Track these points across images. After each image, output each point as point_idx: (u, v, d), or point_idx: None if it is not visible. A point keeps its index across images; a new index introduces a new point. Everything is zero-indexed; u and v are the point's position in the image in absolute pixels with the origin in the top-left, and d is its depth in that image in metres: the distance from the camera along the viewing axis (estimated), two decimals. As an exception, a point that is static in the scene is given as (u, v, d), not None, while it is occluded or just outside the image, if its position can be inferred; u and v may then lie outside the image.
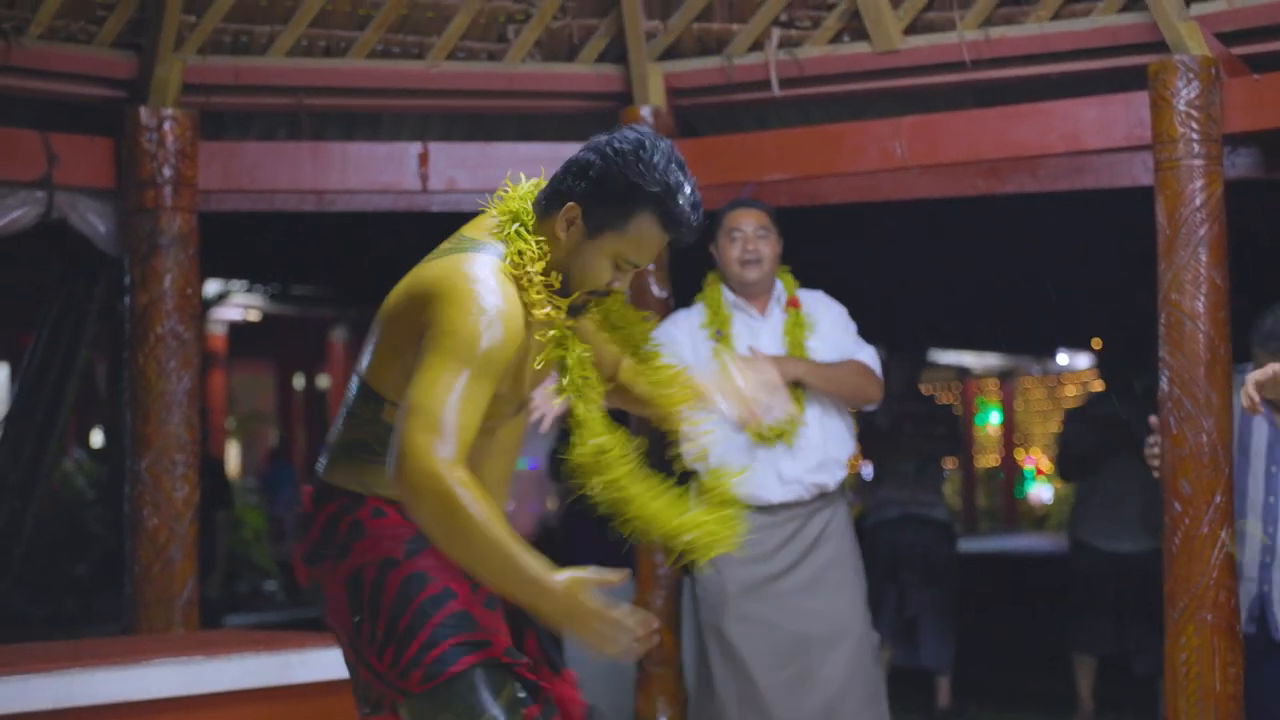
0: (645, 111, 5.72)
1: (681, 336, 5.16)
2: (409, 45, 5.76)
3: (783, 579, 5.10)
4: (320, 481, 2.95)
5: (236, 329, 15.00)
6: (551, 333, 2.86)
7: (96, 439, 13.41)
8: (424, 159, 5.80)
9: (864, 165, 5.62)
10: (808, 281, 5.42)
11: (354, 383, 2.96)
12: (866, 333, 5.28)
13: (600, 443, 2.84)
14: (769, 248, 5.14)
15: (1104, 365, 8.00)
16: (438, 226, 5.58)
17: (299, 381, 17.75)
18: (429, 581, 2.83)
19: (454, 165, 5.82)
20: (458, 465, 2.63)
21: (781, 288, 5.22)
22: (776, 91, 5.62)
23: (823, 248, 8.01)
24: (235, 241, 8.47)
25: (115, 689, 4.03)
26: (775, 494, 5.08)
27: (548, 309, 2.84)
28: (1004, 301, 11.58)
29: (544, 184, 2.97)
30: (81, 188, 5.54)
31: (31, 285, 7.86)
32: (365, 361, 2.92)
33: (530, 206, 2.93)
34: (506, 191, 3.00)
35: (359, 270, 10.56)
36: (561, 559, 2.73)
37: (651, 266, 5.70)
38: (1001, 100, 5.50)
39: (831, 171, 5.71)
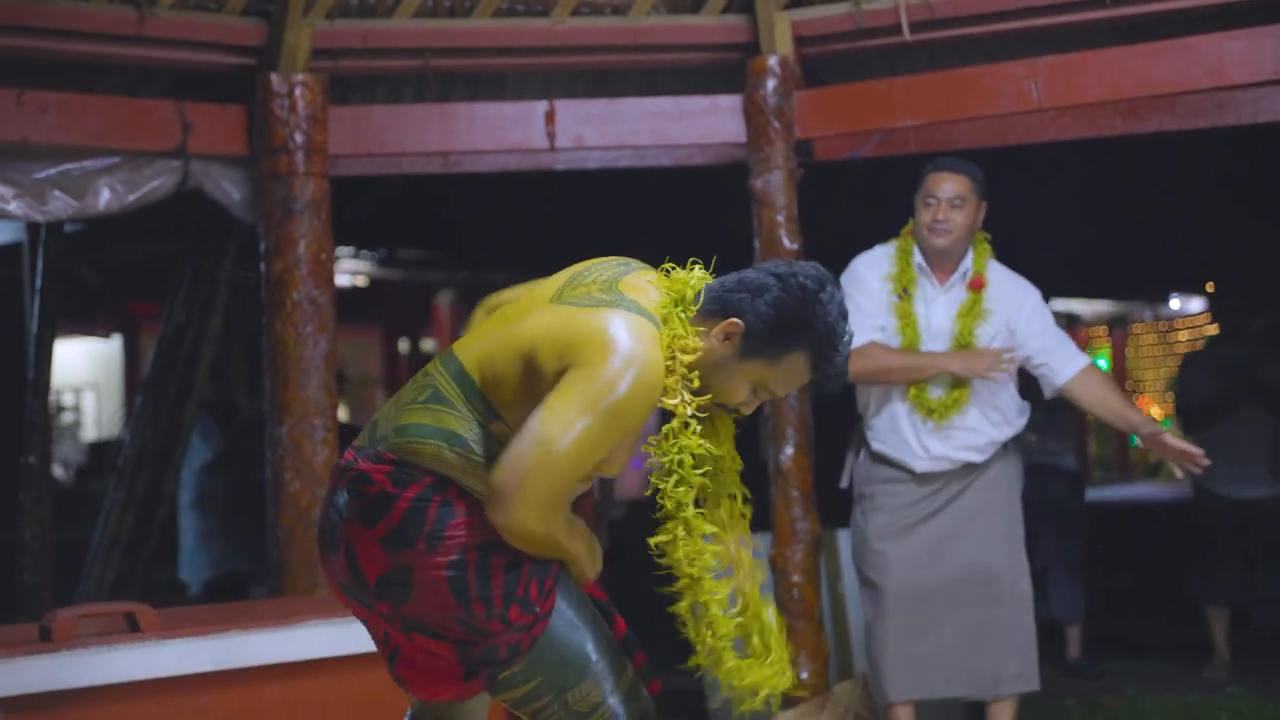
0: (772, 61, 5.66)
1: (871, 280, 5.08)
2: (533, 3, 5.75)
3: (922, 525, 5.08)
4: (394, 460, 2.94)
5: (344, 294, 15.04)
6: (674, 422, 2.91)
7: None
8: (550, 117, 5.78)
9: (999, 108, 5.53)
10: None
11: (457, 374, 2.97)
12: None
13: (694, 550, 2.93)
14: (963, 217, 5.00)
15: (1218, 307, 7.84)
16: (560, 184, 5.57)
17: (404, 346, 17.82)
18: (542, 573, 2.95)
19: (580, 122, 5.80)
20: (559, 515, 2.84)
21: (970, 261, 5.07)
22: (907, 36, 5.55)
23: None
24: (344, 206, 8.50)
25: (270, 651, 4.09)
26: (921, 464, 5.07)
27: (676, 401, 2.89)
28: (1115, 246, 11.40)
29: (708, 278, 2.99)
30: (216, 156, 5.59)
31: (154, 258, 7.94)
32: (487, 366, 2.94)
33: (691, 296, 2.95)
34: (674, 271, 3.00)
35: (466, 234, 10.57)
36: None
37: (781, 218, 5.65)
38: (1141, 37, 5.39)
39: (964, 116, 5.61)
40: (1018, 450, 5.23)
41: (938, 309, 5.06)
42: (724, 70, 5.86)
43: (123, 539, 6.20)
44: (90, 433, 16.72)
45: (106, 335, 14.45)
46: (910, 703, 5.12)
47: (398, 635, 3.03)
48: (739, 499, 3.07)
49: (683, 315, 2.92)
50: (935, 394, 5.02)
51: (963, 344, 5.00)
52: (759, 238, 5.68)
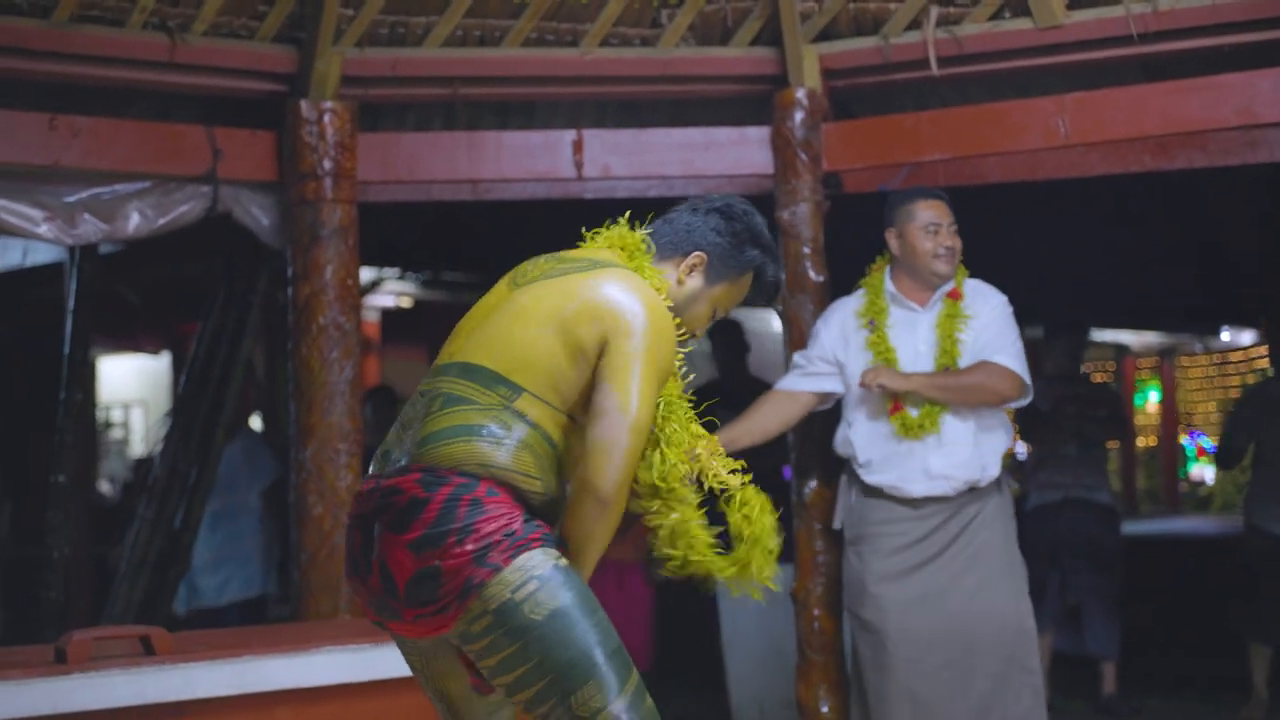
0: (800, 94, 5.67)
1: (828, 329, 5.22)
2: (562, 33, 5.76)
3: (923, 568, 5.05)
4: (423, 468, 3.03)
5: (389, 316, 15.13)
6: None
7: (255, 424, 13.63)
8: (578, 146, 5.80)
9: (1026, 144, 5.52)
10: (966, 262, 5.35)
11: (462, 371, 3.09)
12: (1026, 314, 5.19)
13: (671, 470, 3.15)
14: (958, 241, 5.11)
15: (1273, 343, 7.77)
16: (590, 213, 5.62)
17: (451, 368, 17.93)
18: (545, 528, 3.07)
19: (608, 152, 5.82)
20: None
21: (951, 279, 5.15)
22: (935, 71, 5.54)
23: (981, 226, 7.90)
24: (387, 230, 8.55)
25: (285, 676, 4.09)
26: (921, 488, 5.05)
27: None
28: (1165, 278, 11.34)
29: (635, 233, 3.29)
30: (245, 181, 5.63)
31: (196, 277, 8.02)
32: (496, 352, 3.08)
33: (643, 247, 3.26)
34: (603, 234, 3.31)
35: (506, 258, 10.60)
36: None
37: (807, 249, 5.65)
38: (1170, 75, 5.37)
39: (992, 151, 5.60)
40: (1007, 488, 5.21)
41: (922, 327, 5.12)
42: (752, 102, 5.87)
43: (151, 559, 6.24)
44: (138, 449, 16.85)
45: (155, 352, 14.55)
46: None
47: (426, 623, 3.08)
48: (695, 425, 3.25)
49: (649, 267, 3.22)
50: (914, 411, 5.05)
51: (945, 350, 5.05)
52: (785, 269, 5.68)
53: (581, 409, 3.11)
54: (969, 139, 5.61)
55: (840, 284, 5.71)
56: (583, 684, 2.97)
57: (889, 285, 5.17)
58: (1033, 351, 5.78)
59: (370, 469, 3.18)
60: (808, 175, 5.67)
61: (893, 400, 5.05)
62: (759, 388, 7.81)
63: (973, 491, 5.06)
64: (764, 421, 5.19)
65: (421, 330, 16.28)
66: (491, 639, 2.99)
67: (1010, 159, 5.61)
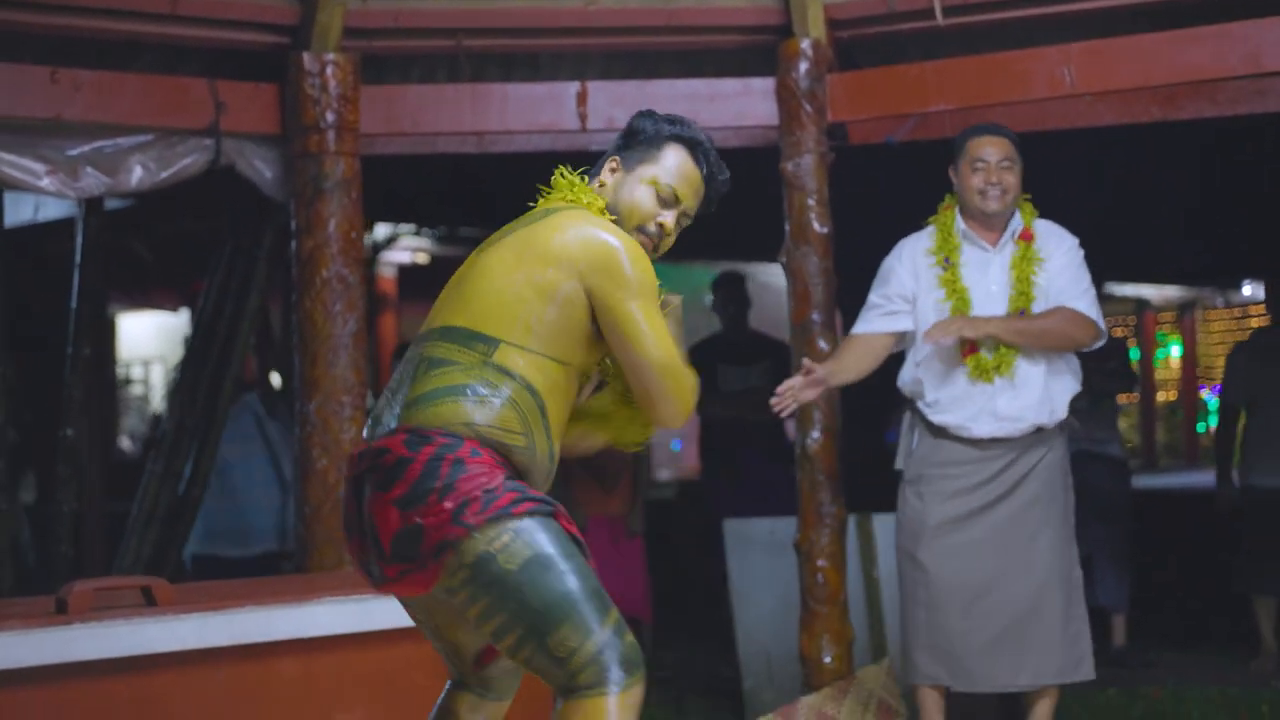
0: (805, 44, 5.64)
1: (902, 266, 5.15)
2: (566, -16, 5.74)
3: (984, 513, 5.05)
4: (409, 429, 3.09)
5: (406, 272, 15.16)
6: None
7: (275, 381, 13.67)
8: (582, 98, 5.78)
9: (1032, 94, 5.50)
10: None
11: (442, 333, 3.16)
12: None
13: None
14: (1013, 178, 5.05)
15: (1270, 296, 7.74)
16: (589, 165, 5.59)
17: (470, 323, 17.96)
18: (525, 486, 3.12)
19: (612, 104, 5.80)
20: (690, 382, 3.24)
21: (1018, 219, 5.11)
22: (940, 20, 5.51)
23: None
24: (402, 185, 8.54)
25: (287, 626, 4.11)
26: (987, 429, 5.03)
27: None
28: (1184, 231, 11.26)
29: (569, 174, 3.39)
30: (248, 134, 5.63)
31: (206, 234, 8.03)
32: (470, 309, 3.15)
33: (577, 179, 3.37)
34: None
35: (521, 211, 10.58)
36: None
37: (812, 201, 5.62)
38: (1176, 23, 5.32)
39: (999, 101, 5.56)
40: (1065, 439, 5.19)
41: (994, 268, 5.07)
42: (757, 53, 5.84)
43: (159, 514, 6.27)
44: (157, 405, 16.93)
45: (173, 309, 14.60)
46: (940, 689, 5.11)
47: (409, 580, 3.13)
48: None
49: (582, 189, 3.34)
50: (988, 354, 5.03)
51: (1020, 293, 5.01)
52: (789, 220, 5.67)
53: (570, 352, 3.17)
54: (975, 89, 5.57)
55: (843, 236, 5.70)
56: (558, 626, 3.01)
57: (960, 223, 5.11)
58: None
59: (364, 434, 3.24)
60: (812, 126, 5.65)
61: (968, 342, 5.02)
62: (761, 342, 7.82)
63: (1038, 433, 5.04)
64: (858, 365, 5.13)
65: (438, 286, 16.27)
66: (469, 591, 3.04)
67: (1017, 109, 5.56)
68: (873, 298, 5.20)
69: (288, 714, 4.12)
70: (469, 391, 3.08)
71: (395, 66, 5.91)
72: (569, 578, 3.03)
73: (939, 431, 5.11)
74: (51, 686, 3.75)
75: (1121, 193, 9.49)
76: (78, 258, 6.06)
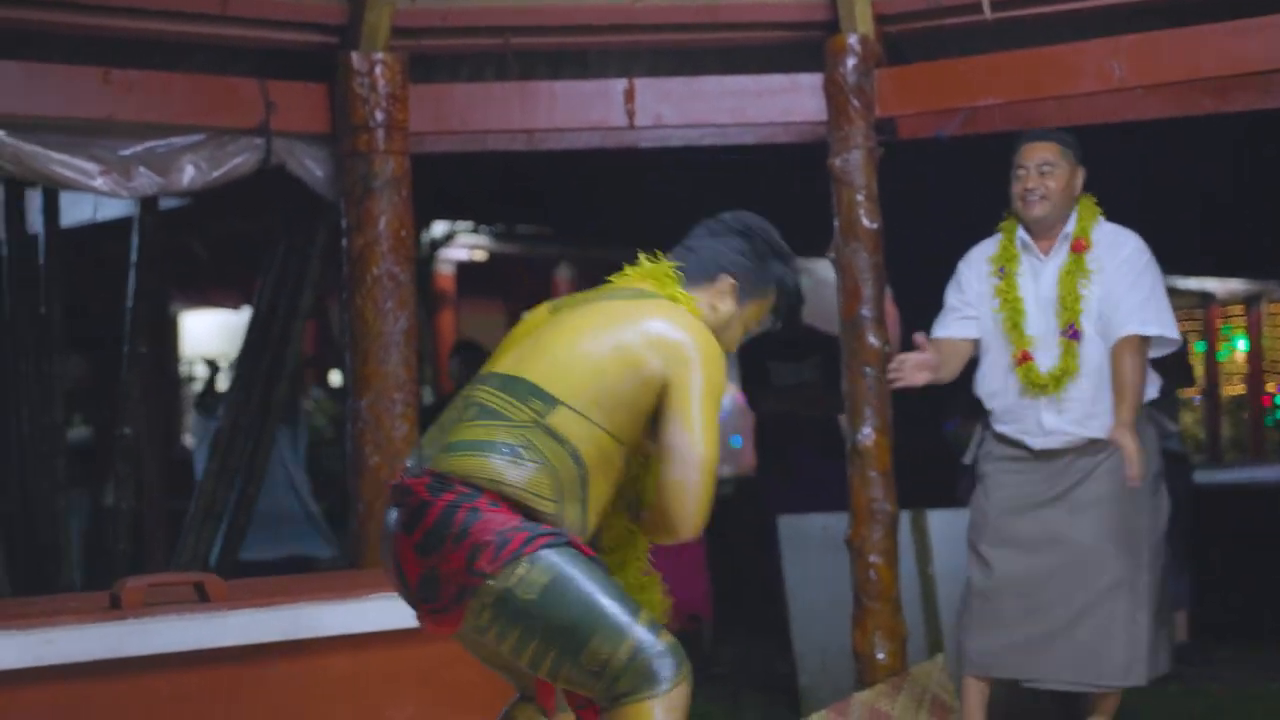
0: (853, 39, 5.62)
1: (970, 272, 5.18)
2: (613, -18, 5.75)
3: (1040, 511, 5.05)
4: (435, 474, 3.12)
5: (464, 268, 15.25)
6: None
7: (335, 379, 13.79)
8: (630, 95, 5.79)
9: (1081, 87, 5.45)
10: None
11: (502, 384, 3.17)
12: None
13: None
14: (1055, 182, 5.01)
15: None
16: (646, 162, 5.60)
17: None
18: (539, 524, 3.11)
19: (660, 100, 5.81)
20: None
21: (1073, 224, 5.06)
22: (988, 14, 5.48)
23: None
24: (455, 183, 8.59)
25: (337, 622, 4.16)
26: (1037, 441, 5.04)
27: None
28: (1251, 223, 11.16)
29: (662, 263, 3.39)
30: (298, 133, 5.67)
31: (259, 231, 8.10)
32: (540, 365, 3.16)
33: (675, 277, 3.36)
34: (637, 265, 3.41)
35: (580, 209, 10.64)
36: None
37: (861, 197, 5.62)
38: (1227, 15, 5.27)
39: (1048, 95, 5.52)
40: (1154, 433, 5.15)
41: (1045, 278, 5.05)
42: (805, 48, 5.83)
43: (216, 511, 6.33)
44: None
45: (235, 307, 14.72)
46: (986, 680, 5.12)
47: (435, 620, 3.19)
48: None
49: (687, 298, 3.33)
50: (1044, 367, 5.00)
51: (1068, 307, 4.96)
52: (838, 216, 5.66)
53: (627, 430, 3.18)
54: (1023, 83, 5.54)
55: (893, 231, 5.69)
56: (587, 640, 3.04)
57: (1020, 232, 5.10)
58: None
59: (408, 461, 3.27)
60: (860, 121, 5.63)
61: (1021, 351, 5.03)
62: (814, 336, 7.81)
63: (1093, 444, 4.99)
64: (945, 366, 5.10)
65: (496, 283, 16.37)
66: (497, 628, 3.08)
67: (1066, 103, 5.53)
68: (950, 301, 5.22)
69: (338, 709, 4.17)
70: (506, 450, 3.10)
71: (444, 65, 5.94)
72: (588, 591, 3.05)
73: (1000, 437, 5.15)
74: (105, 681, 3.81)
75: (1182, 185, 9.43)
76: (134, 257, 6.12)
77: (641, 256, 3.38)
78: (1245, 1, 5.30)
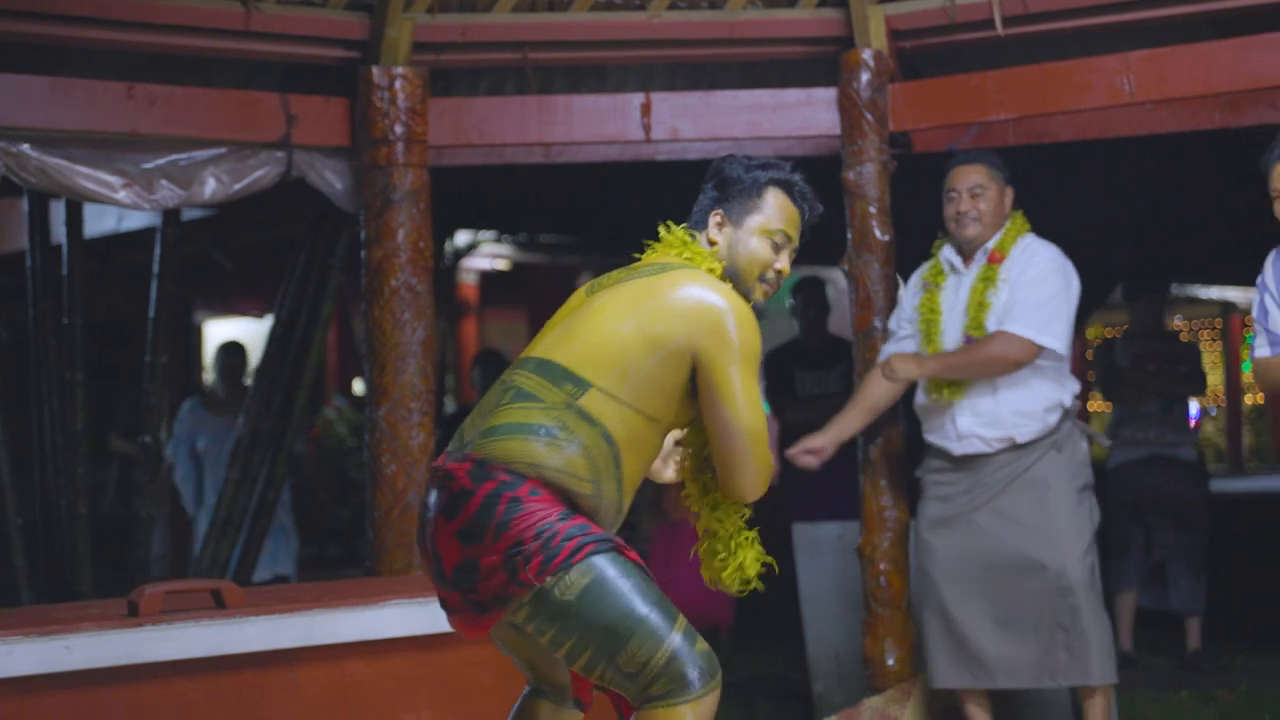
0: (866, 55, 5.68)
1: (906, 294, 5.42)
2: (630, -3, 5.81)
3: (969, 516, 5.20)
4: (476, 459, 3.15)
5: (487, 278, 15.30)
6: None
7: (358, 387, 13.86)
8: (646, 109, 5.85)
9: (1092, 102, 5.50)
10: (1045, 219, 5.37)
11: (536, 367, 3.22)
12: (1107, 272, 5.16)
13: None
14: (987, 204, 5.20)
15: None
16: (664, 175, 5.66)
17: (551, 328, 18.08)
18: (585, 525, 3.15)
19: (676, 114, 5.87)
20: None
21: (995, 240, 5.22)
22: (1000, 30, 5.53)
23: (1062, 184, 7.84)
24: (480, 194, 8.64)
25: (354, 628, 4.19)
26: (956, 447, 5.21)
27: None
28: (1265, 233, 11.13)
29: (677, 229, 3.45)
30: (318, 146, 5.74)
31: (281, 242, 8.17)
32: (571, 348, 3.21)
33: (686, 238, 3.42)
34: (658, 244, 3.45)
35: (601, 219, 10.69)
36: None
37: (874, 209, 5.67)
38: (1236, 31, 5.31)
39: (1058, 109, 5.59)
40: (1080, 440, 5.25)
41: (964, 290, 5.22)
42: (819, 63, 5.89)
43: (235, 519, 6.39)
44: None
45: (259, 315, 14.81)
46: (982, 693, 5.26)
47: (469, 620, 3.24)
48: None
49: (697, 249, 3.39)
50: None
51: (973, 317, 5.14)
52: (851, 228, 5.72)
53: (660, 408, 3.23)
54: (1035, 98, 5.60)
55: (906, 245, 5.73)
56: (625, 642, 3.09)
57: (946, 251, 5.32)
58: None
59: (450, 445, 3.30)
60: (874, 135, 5.69)
61: None
62: (840, 346, 7.85)
63: (1019, 448, 5.13)
64: (871, 400, 5.37)
65: (519, 292, 16.43)
66: (535, 624, 3.14)
67: (1078, 117, 5.59)
68: (891, 324, 5.46)
69: (354, 714, 4.20)
70: (542, 432, 3.15)
71: (463, 79, 6.00)
72: (628, 594, 3.10)
73: (928, 447, 5.35)
74: (123, 686, 3.85)
75: (1199, 197, 9.43)
76: (156, 267, 6.19)
77: (660, 229, 3.44)
78: (1253, 19, 5.35)
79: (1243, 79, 5.27)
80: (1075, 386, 5.26)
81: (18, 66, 5.33)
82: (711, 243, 3.40)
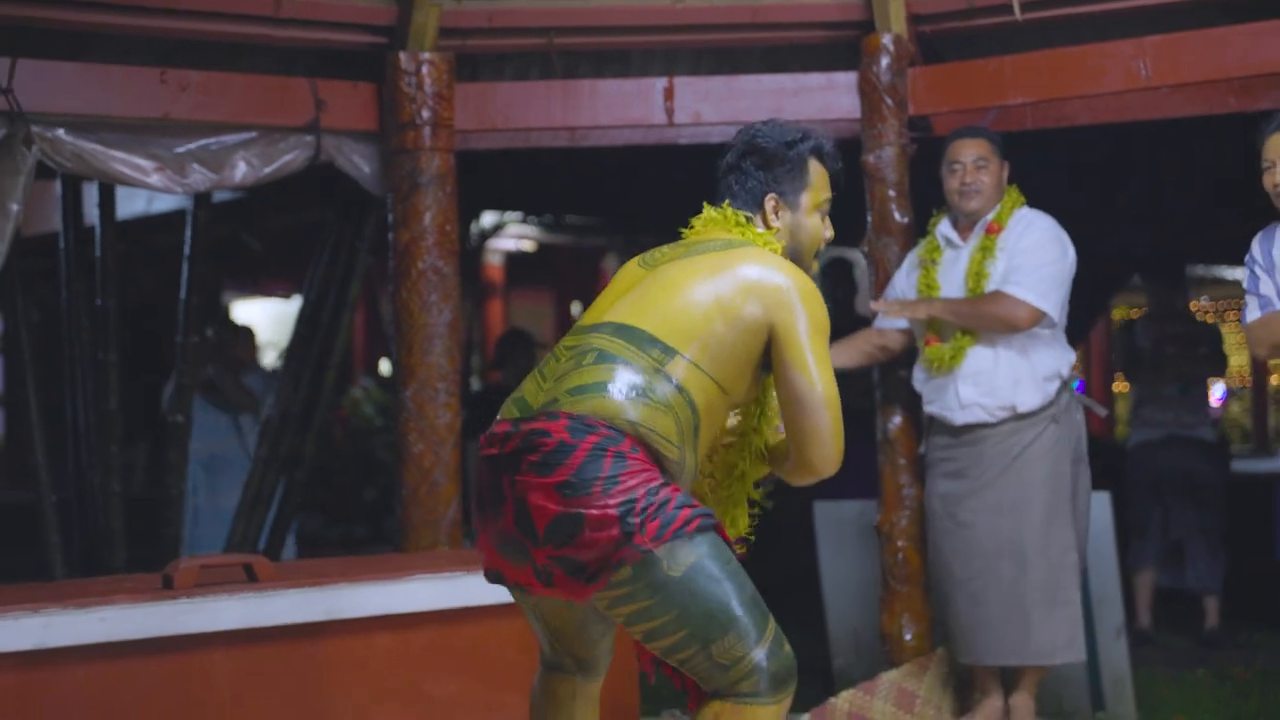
0: (887, 39, 5.74)
1: (903, 272, 5.52)
2: (654, -18, 5.87)
3: (973, 496, 5.28)
4: (572, 415, 3.12)
5: (513, 259, 15.38)
6: None
7: (385, 368, 13.96)
8: (669, 93, 5.92)
9: (1108, 86, 5.54)
10: (1059, 203, 5.43)
11: (617, 330, 3.22)
12: (1123, 254, 5.22)
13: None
14: (988, 177, 5.30)
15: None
16: (686, 158, 5.72)
17: (575, 309, 18.13)
18: (688, 495, 3.17)
19: (699, 99, 5.93)
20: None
21: (993, 212, 5.32)
22: (1018, 15, 5.58)
23: (1080, 167, 7.89)
24: (506, 175, 8.71)
25: (381, 602, 4.28)
26: (959, 417, 5.29)
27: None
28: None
29: (728, 209, 3.48)
30: (347, 131, 5.82)
31: (310, 224, 8.27)
32: (652, 316, 3.23)
33: (737, 219, 3.46)
34: (702, 215, 3.51)
35: (624, 201, 10.75)
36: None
37: (893, 192, 5.74)
38: (1252, 15, 5.35)
39: (1075, 94, 5.62)
40: (1076, 411, 5.34)
41: (961, 261, 5.32)
42: (840, 48, 5.95)
43: (265, 498, 6.48)
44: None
45: (287, 296, 14.90)
46: (995, 669, 5.37)
47: (535, 582, 3.20)
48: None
49: (758, 233, 3.44)
50: (945, 345, 5.29)
51: (970, 283, 5.24)
52: (871, 211, 5.79)
53: (734, 381, 3.27)
54: (1052, 82, 5.65)
55: (925, 227, 5.79)
56: (723, 634, 3.09)
57: (942, 227, 5.42)
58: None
59: (500, 414, 3.27)
60: (893, 119, 5.75)
61: (927, 335, 5.33)
62: (867, 326, 7.90)
63: (1021, 419, 5.22)
64: (839, 355, 5.39)
65: (545, 273, 16.51)
66: (629, 589, 3.09)
67: (1094, 101, 5.63)
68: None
69: (381, 687, 4.28)
70: (636, 392, 3.15)
71: (489, 64, 6.08)
72: (730, 586, 3.10)
73: (931, 420, 5.44)
74: (158, 658, 3.94)
75: (1219, 178, 9.46)
76: (187, 249, 6.28)
77: (706, 206, 3.48)
78: (1267, 4, 5.39)
79: (1257, 63, 5.30)
80: (1071, 356, 5.35)
81: (52, 53, 5.41)
82: (769, 227, 3.46)
